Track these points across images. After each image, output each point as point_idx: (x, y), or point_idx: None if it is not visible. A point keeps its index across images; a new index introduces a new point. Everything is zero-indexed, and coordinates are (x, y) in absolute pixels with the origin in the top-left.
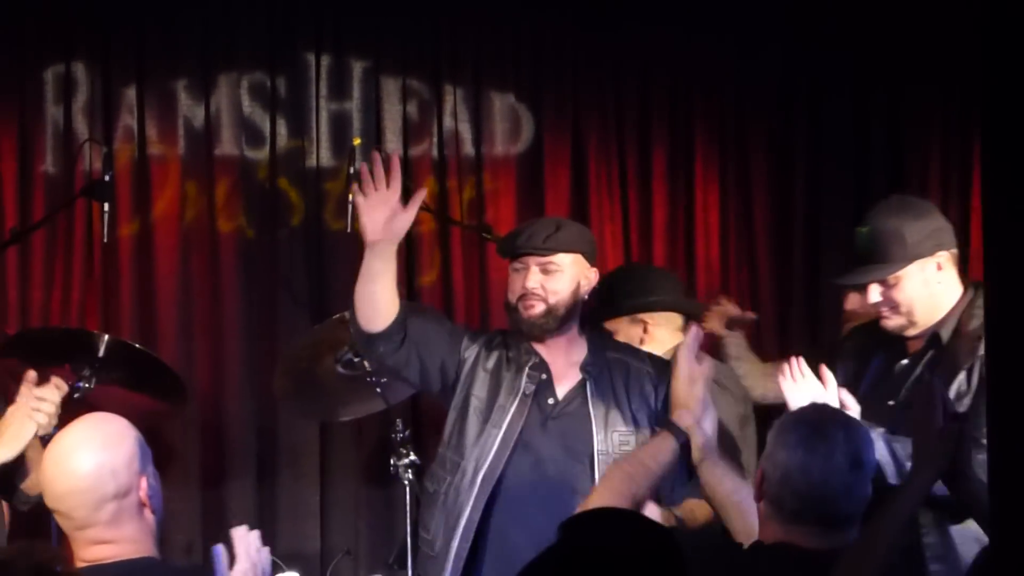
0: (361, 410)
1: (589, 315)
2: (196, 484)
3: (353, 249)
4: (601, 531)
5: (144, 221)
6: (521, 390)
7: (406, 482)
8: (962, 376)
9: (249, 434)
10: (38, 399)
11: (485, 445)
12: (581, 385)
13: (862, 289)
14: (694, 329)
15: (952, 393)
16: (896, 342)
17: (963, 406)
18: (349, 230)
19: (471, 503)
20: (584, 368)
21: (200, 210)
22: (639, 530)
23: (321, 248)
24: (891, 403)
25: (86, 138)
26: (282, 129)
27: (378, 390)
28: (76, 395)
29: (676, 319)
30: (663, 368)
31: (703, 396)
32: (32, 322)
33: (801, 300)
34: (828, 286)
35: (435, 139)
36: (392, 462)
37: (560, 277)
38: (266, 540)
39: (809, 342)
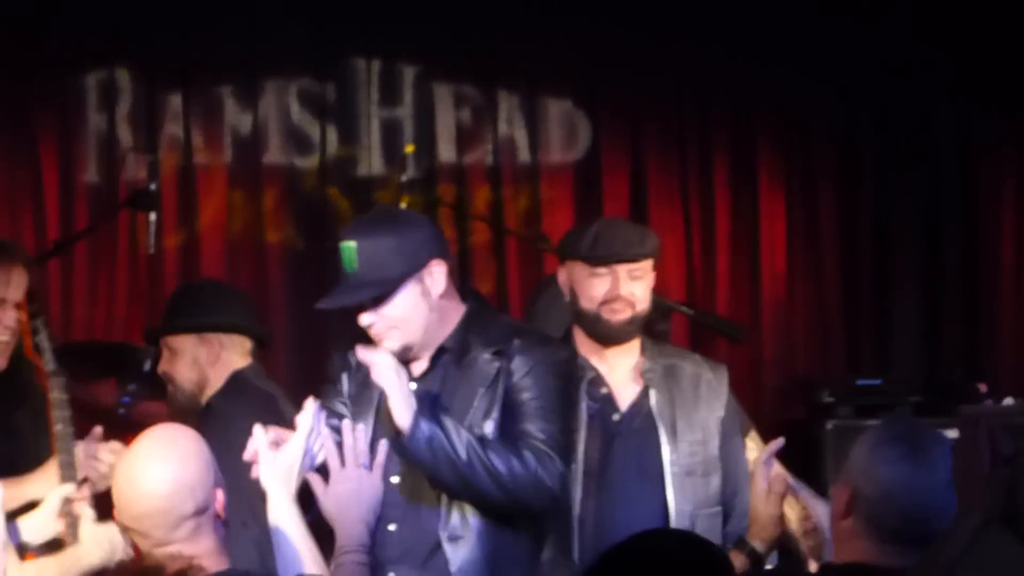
0: None
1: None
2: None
3: None
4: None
5: (190, 231)
6: (584, 412)
7: None
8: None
9: None
10: (97, 459)
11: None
12: (644, 394)
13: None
14: (772, 445)
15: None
16: None
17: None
18: None
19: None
20: (645, 375)
21: (247, 220)
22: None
23: None
24: None
25: (130, 147)
26: (332, 136)
27: None
28: (121, 410)
29: (246, 343)
30: (719, 372)
31: (778, 514)
32: (75, 336)
33: (869, 311)
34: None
35: (489, 146)
36: None
37: (644, 283)
38: None
39: (877, 355)
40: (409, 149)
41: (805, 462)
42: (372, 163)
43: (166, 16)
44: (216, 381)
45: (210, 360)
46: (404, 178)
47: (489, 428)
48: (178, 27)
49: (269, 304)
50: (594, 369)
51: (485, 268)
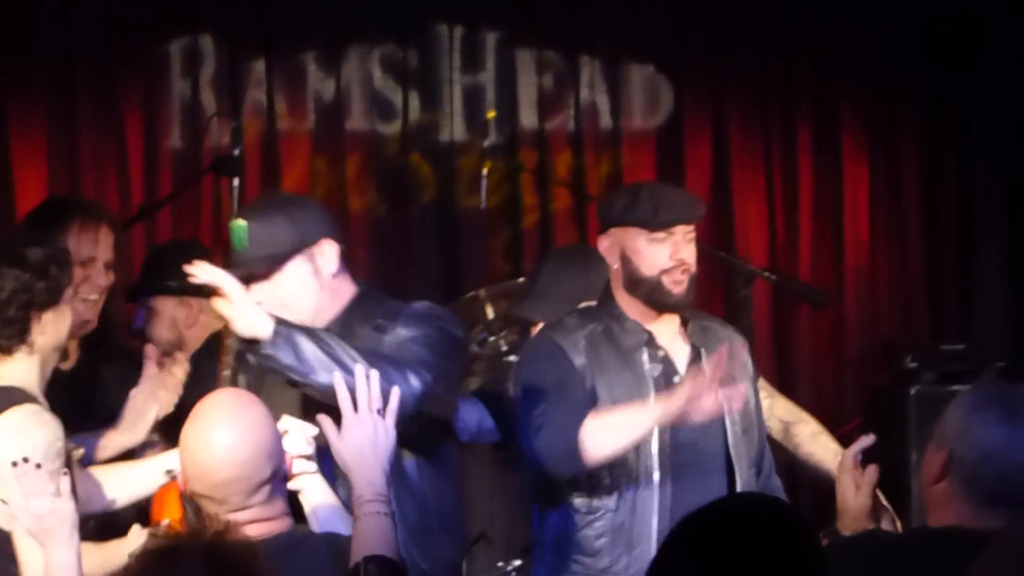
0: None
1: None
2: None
3: (485, 226)
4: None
5: None
6: (649, 375)
7: None
8: None
9: None
10: (166, 375)
11: (646, 449)
12: (696, 355)
13: None
14: (862, 439)
15: None
16: None
17: None
18: (483, 206)
19: (655, 523)
20: (691, 336)
21: (330, 186)
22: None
23: (453, 225)
24: None
25: (213, 112)
26: (414, 103)
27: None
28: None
29: None
30: (736, 333)
31: (870, 506)
32: None
33: (953, 276)
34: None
35: (571, 112)
36: None
37: (694, 245)
38: None
39: (961, 320)
40: (491, 115)
41: (888, 428)
42: (454, 129)
43: None
44: (193, 343)
45: (188, 322)
46: (486, 144)
47: None
48: None
49: (353, 269)
50: (647, 332)
51: (566, 234)
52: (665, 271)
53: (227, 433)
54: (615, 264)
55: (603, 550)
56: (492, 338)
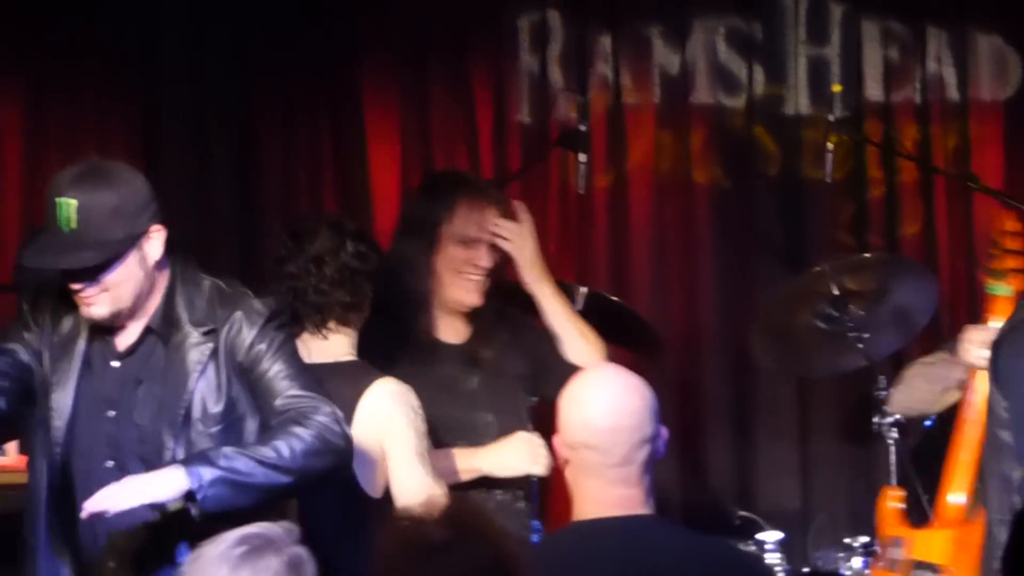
0: (841, 366)
1: None
2: (672, 439)
3: (830, 200)
4: None
5: (619, 172)
6: None
7: (890, 441)
8: None
9: (726, 389)
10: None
11: None
12: None
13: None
14: None
15: None
16: None
17: None
18: (828, 180)
19: None
20: None
21: (675, 160)
22: None
23: (799, 198)
24: None
25: (560, 87)
26: (759, 76)
27: (859, 345)
28: None
29: None
30: None
31: None
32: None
33: None
34: None
35: (917, 84)
36: (875, 420)
37: None
38: (745, 498)
39: None
40: (836, 88)
41: None
42: (799, 102)
43: None
44: None
45: None
46: (831, 117)
47: (219, 408)
48: None
49: (695, 244)
50: None
51: (912, 208)
52: None
53: (621, 386)
54: None
55: None
56: (837, 313)
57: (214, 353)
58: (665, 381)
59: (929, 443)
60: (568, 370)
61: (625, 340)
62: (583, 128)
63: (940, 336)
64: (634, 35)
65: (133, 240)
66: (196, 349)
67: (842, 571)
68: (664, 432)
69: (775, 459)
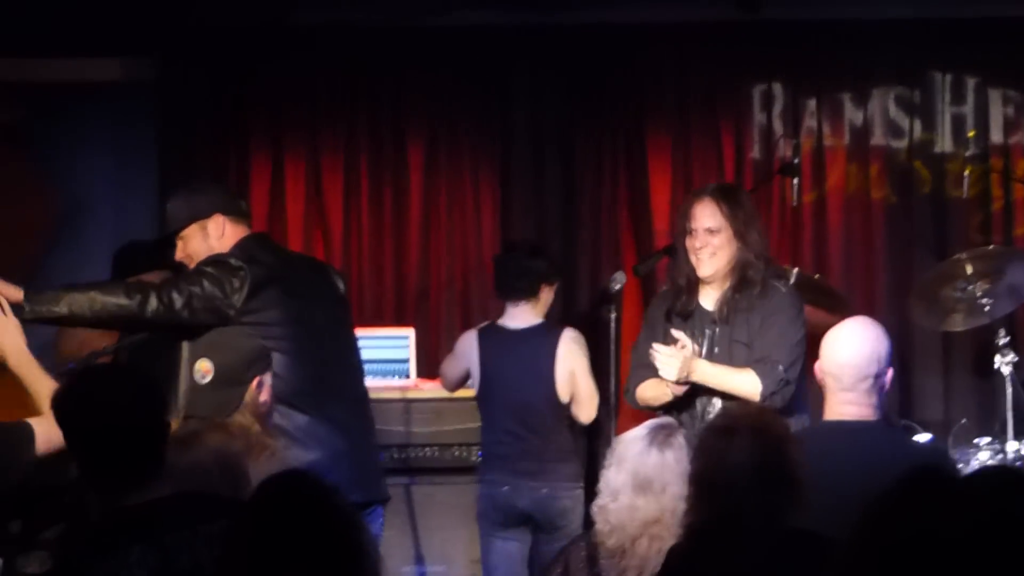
0: (971, 323)
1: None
2: None
3: (966, 210)
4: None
5: (820, 191)
6: None
7: (1005, 374)
8: None
9: (892, 341)
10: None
11: None
12: None
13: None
14: None
15: None
16: None
17: None
18: (964, 196)
19: None
20: None
21: (858, 184)
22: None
23: (944, 209)
24: None
25: (781, 134)
26: (917, 126)
27: (985, 309)
28: None
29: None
30: None
31: None
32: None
33: None
34: None
35: None
36: (996, 360)
37: None
38: (904, 411)
39: None
40: (971, 134)
41: None
42: (944, 143)
43: None
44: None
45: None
46: (967, 154)
47: None
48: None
49: (873, 241)
50: None
51: (1022, 215)
52: None
53: (859, 332)
54: None
55: None
56: (970, 287)
57: None
58: None
59: None
60: None
61: (825, 303)
62: (796, 161)
63: None
64: (832, 99)
65: (192, 221)
66: None
67: (972, 461)
68: (890, 372)
69: (927, 386)
